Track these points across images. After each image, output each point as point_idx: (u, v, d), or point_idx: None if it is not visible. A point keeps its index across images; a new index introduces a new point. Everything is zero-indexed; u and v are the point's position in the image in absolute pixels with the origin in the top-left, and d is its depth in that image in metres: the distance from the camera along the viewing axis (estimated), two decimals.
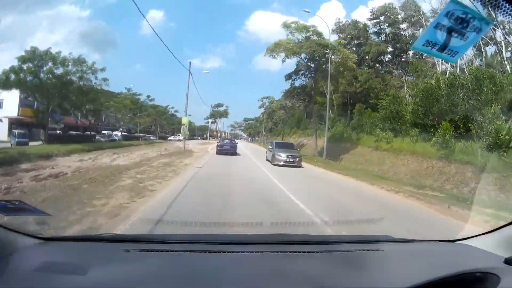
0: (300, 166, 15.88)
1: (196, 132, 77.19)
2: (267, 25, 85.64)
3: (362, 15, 78.11)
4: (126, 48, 77.25)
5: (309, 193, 8.53)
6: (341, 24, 38.56)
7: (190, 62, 28.38)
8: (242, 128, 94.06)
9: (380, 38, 37.55)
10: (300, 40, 25.78)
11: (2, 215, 1.71)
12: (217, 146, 22.67)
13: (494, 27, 21.30)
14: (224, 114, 73.55)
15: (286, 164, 15.35)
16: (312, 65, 27.66)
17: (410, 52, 32.84)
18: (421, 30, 28.95)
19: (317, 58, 26.34)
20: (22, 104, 28.60)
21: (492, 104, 13.20)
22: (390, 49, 36.39)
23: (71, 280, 1.31)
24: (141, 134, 47.56)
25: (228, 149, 21.57)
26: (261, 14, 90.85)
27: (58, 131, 28.36)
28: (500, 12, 1.49)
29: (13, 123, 28.42)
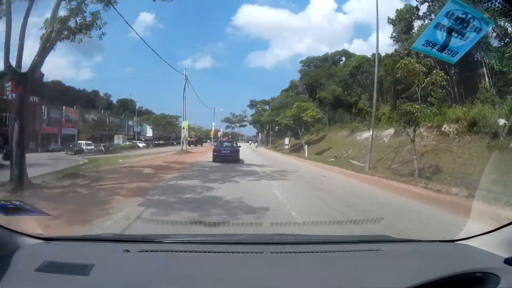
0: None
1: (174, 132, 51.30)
2: (256, 19, 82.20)
3: (353, 7, 76.06)
4: (117, 53, 75.95)
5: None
6: None
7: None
8: (245, 122, 59.19)
9: None
10: None
11: (2, 215, 1.71)
12: (214, 151, 17.88)
13: None
14: None
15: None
16: None
17: None
18: None
19: None
20: None
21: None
22: None
23: (71, 280, 1.31)
24: None
25: (227, 155, 17.27)
26: (249, 8, 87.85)
27: None
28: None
29: None
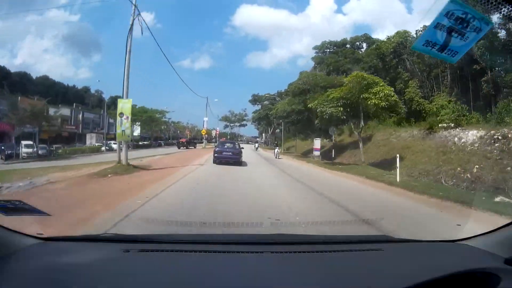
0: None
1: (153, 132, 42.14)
2: (255, 20, 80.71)
3: (353, 8, 75.35)
4: (115, 50, 76.76)
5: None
6: None
7: None
8: (245, 122, 53.53)
9: None
10: None
11: (2, 215, 1.71)
12: (215, 152, 16.98)
13: None
14: None
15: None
16: None
17: None
18: None
19: None
20: None
21: None
22: None
23: (71, 280, 1.31)
24: None
25: (229, 157, 16.40)
26: (248, 8, 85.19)
27: None
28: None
29: None
